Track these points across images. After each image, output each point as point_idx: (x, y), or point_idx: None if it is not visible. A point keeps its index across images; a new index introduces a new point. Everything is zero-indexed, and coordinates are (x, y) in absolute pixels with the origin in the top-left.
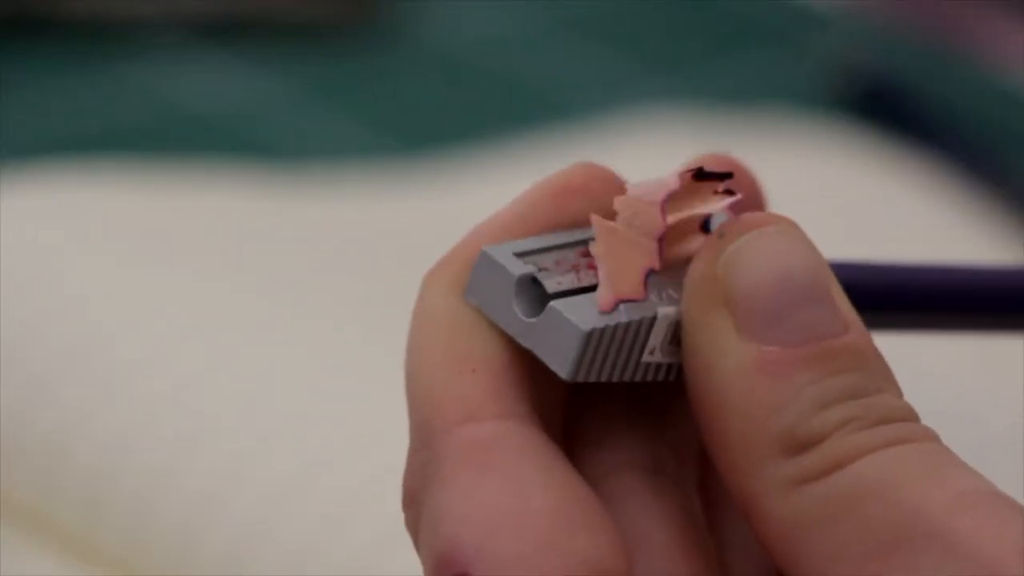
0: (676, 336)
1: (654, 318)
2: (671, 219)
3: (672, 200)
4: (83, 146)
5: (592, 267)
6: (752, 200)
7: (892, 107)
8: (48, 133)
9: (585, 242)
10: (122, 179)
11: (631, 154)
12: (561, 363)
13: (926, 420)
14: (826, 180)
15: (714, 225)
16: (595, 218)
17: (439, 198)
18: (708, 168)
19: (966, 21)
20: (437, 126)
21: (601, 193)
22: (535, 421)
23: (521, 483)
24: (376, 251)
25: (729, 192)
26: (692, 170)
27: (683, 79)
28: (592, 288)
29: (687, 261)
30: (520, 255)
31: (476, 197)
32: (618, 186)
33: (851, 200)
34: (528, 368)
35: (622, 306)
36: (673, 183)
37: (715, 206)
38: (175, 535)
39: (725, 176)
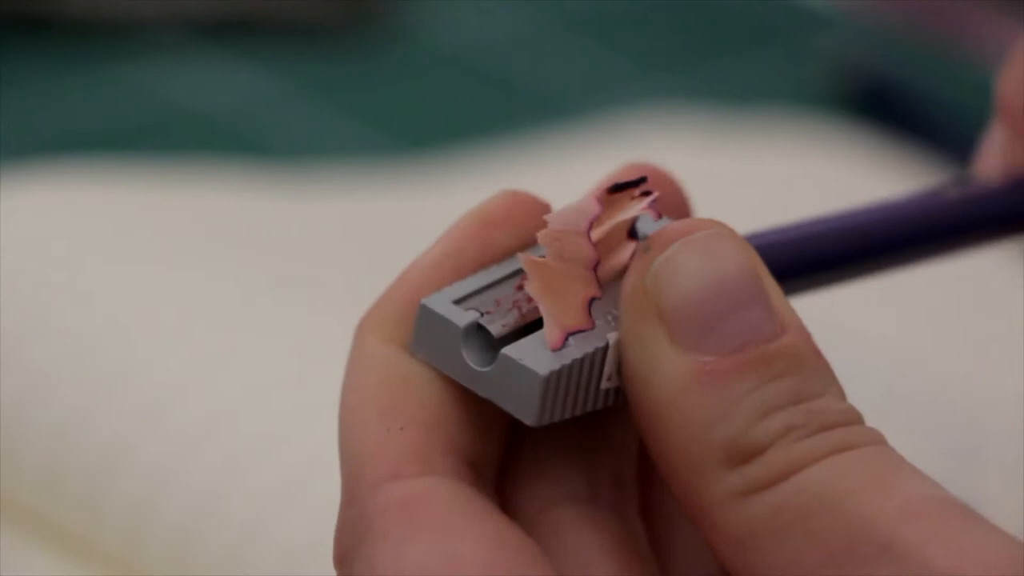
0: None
1: (607, 346)
2: (596, 235)
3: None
4: (83, 146)
5: (531, 299)
6: (676, 204)
7: (892, 107)
8: (48, 133)
9: (518, 274)
10: (122, 179)
11: (631, 154)
12: (525, 410)
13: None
14: (826, 180)
15: (641, 231)
16: (523, 257)
17: (438, 197)
18: (621, 180)
19: (965, 21)
20: (436, 126)
21: (525, 221)
22: (463, 474)
23: (449, 537)
24: (376, 250)
25: (646, 193)
26: (606, 187)
27: (683, 79)
28: (538, 323)
29: (622, 274)
30: (459, 301)
31: (475, 197)
32: (542, 211)
33: (851, 200)
34: (465, 414)
35: (571, 339)
36: (593, 208)
37: (635, 209)
38: (175, 535)
39: (638, 182)
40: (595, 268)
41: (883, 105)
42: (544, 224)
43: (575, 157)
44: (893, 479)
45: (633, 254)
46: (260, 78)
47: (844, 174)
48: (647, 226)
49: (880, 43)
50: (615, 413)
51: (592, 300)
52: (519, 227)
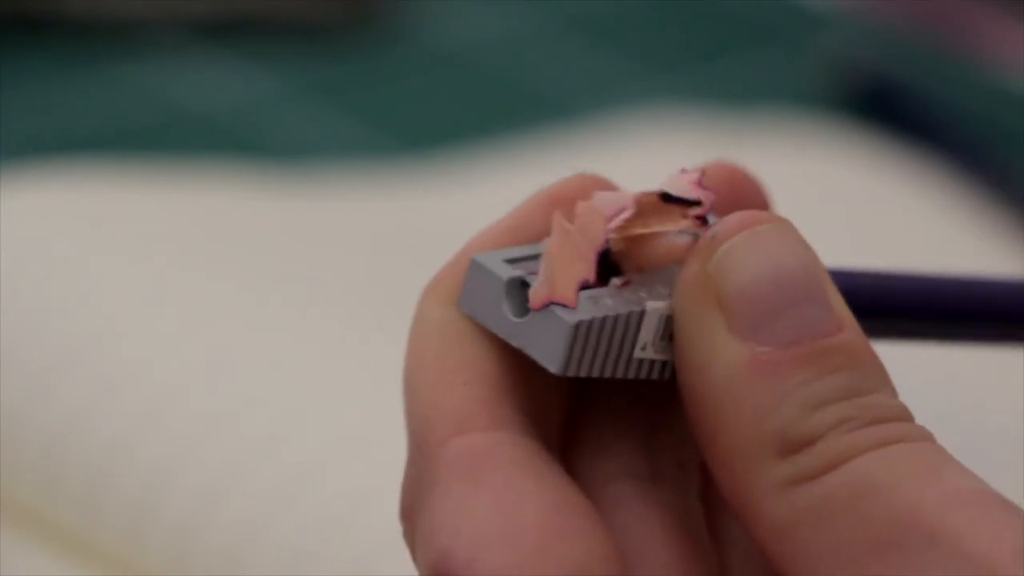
0: (669, 332)
1: (643, 312)
2: (638, 231)
3: (637, 215)
4: (83, 146)
5: None
6: (756, 205)
7: (892, 107)
8: (48, 133)
9: None
10: (122, 179)
11: (631, 154)
12: (551, 358)
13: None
14: (826, 180)
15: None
16: (556, 216)
17: (439, 198)
18: (675, 193)
19: (966, 21)
20: (437, 126)
21: None
22: (529, 431)
23: (512, 494)
24: (376, 251)
25: (701, 221)
26: (656, 193)
27: (683, 79)
28: (582, 287)
29: (673, 261)
30: (510, 261)
31: (476, 197)
32: None
33: (851, 200)
34: (524, 377)
35: (610, 299)
36: (627, 203)
37: (679, 226)
38: (175, 535)
39: (693, 203)
40: (600, 255)
41: (883, 105)
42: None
43: (575, 157)
44: (940, 471)
45: (693, 241)
46: (260, 78)
47: (844, 174)
48: (713, 221)
49: (880, 43)
50: (678, 396)
51: (584, 284)
52: None
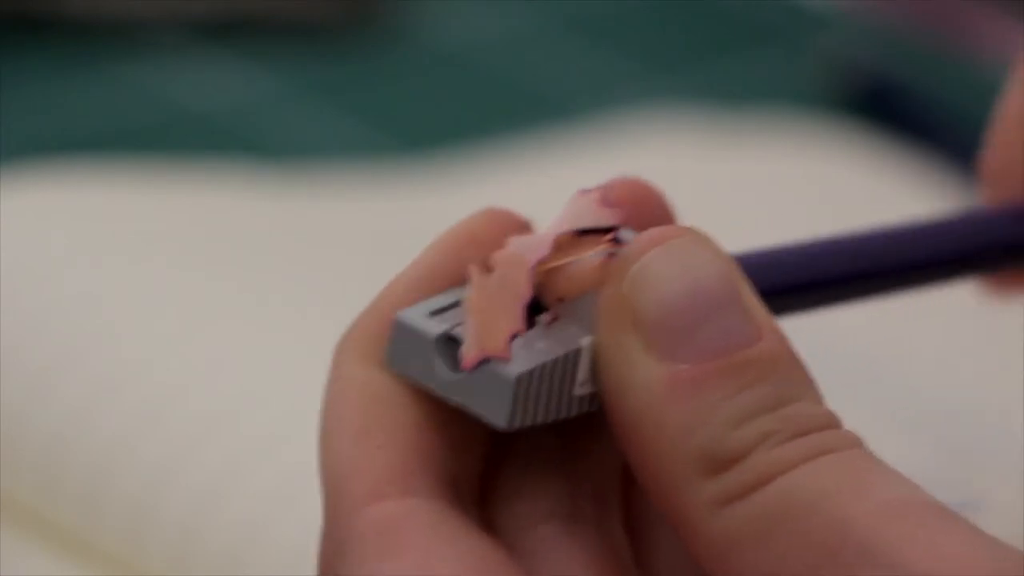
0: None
1: (579, 350)
2: (556, 263)
3: (557, 249)
4: (83, 146)
5: None
6: (662, 219)
7: (892, 107)
8: (48, 133)
9: None
10: (122, 179)
11: (631, 154)
12: (496, 415)
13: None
14: (826, 180)
15: (624, 239)
16: (473, 269)
17: (439, 198)
18: (586, 221)
19: (966, 21)
20: (437, 126)
21: (503, 239)
22: (445, 493)
23: (428, 559)
24: (376, 250)
25: (615, 241)
26: (572, 232)
27: (683, 79)
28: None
29: (593, 283)
30: (434, 313)
31: (476, 197)
32: (521, 229)
33: (851, 200)
34: (442, 435)
35: (542, 342)
36: (544, 247)
37: (598, 251)
38: (175, 535)
39: (609, 230)
40: (526, 306)
41: (883, 105)
42: (503, 245)
43: (575, 157)
44: (871, 481)
45: (608, 263)
46: (260, 78)
47: (844, 174)
48: (628, 236)
49: (880, 43)
50: (595, 428)
51: (515, 336)
52: (496, 246)
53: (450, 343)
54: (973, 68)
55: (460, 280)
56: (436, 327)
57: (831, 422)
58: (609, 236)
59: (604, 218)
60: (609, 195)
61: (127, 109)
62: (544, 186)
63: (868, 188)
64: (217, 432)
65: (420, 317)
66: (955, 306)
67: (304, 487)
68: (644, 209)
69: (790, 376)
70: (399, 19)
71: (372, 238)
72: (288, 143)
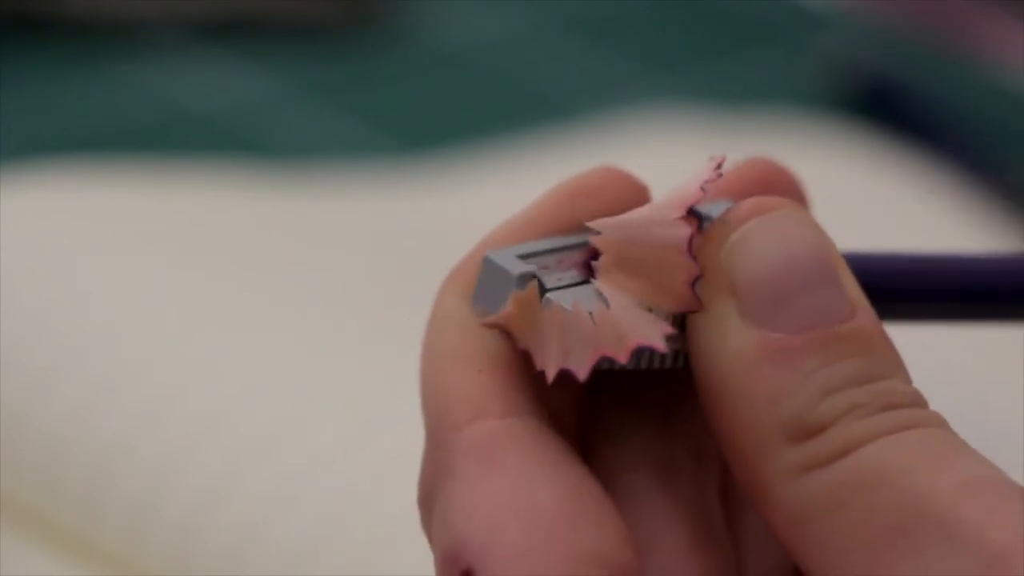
0: (681, 321)
1: (682, 324)
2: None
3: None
4: (83, 146)
5: (593, 260)
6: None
7: (892, 107)
8: (48, 133)
9: (587, 243)
10: (122, 179)
11: (631, 154)
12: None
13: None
14: (826, 180)
15: (704, 213)
16: (601, 223)
17: (439, 198)
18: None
19: (966, 21)
20: (437, 126)
21: (615, 196)
22: (544, 418)
23: (527, 479)
24: (376, 250)
25: (693, 215)
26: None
27: (683, 79)
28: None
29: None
30: (523, 257)
31: (476, 197)
32: (636, 189)
33: (851, 200)
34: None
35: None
36: (696, 193)
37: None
38: (175, 535)
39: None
40: (690, 247)
41: (883, 105)
42: (640, 196)
43: (575, 157)
44: (952, 458)
45: (703, 229)
46: (260, 78)
47: (844, 174)
48: (716, 210)
49: (880, 43)
50: (695, 391)
51: (697, 279)
52: (607, 201)
53: (533, 283)
54: (973, 68)
55: (562, 230)
56: (521, 267)
57: (918, 400)
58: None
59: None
60: (738, 172)
61: (127, 109)
62: (544, 186)
63: (868, 188)
64: (217, 432)
65: (508, 258)
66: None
67: (304, 487)
68: (774, 191)
69: (881, 354)
70: (399, 19)
71: (372, 238)
72: (288, 143)
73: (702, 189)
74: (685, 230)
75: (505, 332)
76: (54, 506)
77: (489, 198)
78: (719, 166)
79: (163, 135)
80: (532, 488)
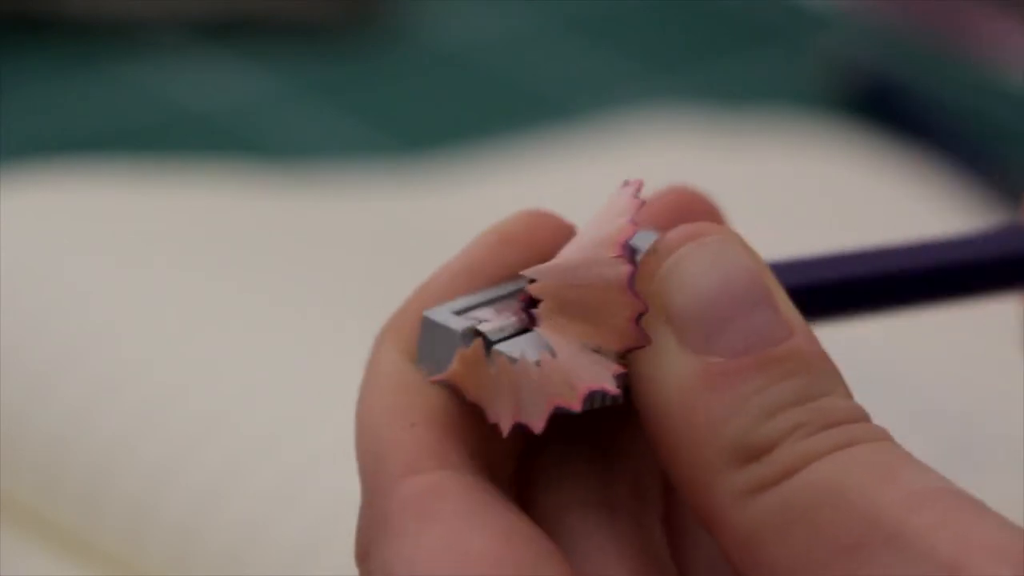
0: (625, 356)
1: (626, 365)
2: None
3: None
4: (83, 146)
5: (529, 307)
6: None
7: (892, 107)
8: (48, 133)
9: (523, 290)
10: (122, 179)
11: (631, 154)
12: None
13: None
14: (826, 180)
15: (637, 246)
16: (534, 272)
17: (439, 198)
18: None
19: (966, 21)
20: (437, 126)
21: (543, 241)
22: (478, 469)
23: (462, 528)
24: (376, 250)
25: (627, 250)
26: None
27: (683, 79)
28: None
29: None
30: (461, 312)
31: (476, 197)
32: (563, 231)
33: (851, 199)
34: (476, 420)
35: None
36: (627, 228)
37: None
38: (175, 535)
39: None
40: (631, 284)
41: (883, 105)
42: (568, 237)
43: (575, 157)
44: (898, 472)
45: (637, 259)
46: (260, 78)
47: (844, 174)
48: (642, 241)
49: (880, 43)
50: (635, 425)
51: (642, 315)
52: (537, 246)
53: (476, 338)
54: (973, 68)
55: (498, 279)
56: (461, 323)
57: (859, 415)
58: (623, 236)
59: (636, 214)
60: (653, 201)
61: (127, 109)
62: (544, 186)
63: (868, 188)
64: (217, 432)
65: (447, 314)
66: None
67: (304, 487)
68: (694, 217)
69: (820, 371)
70: (399, 19)
71: (372, 238)
72: (288, 143)
73: (633, 223)
74: (625, 267)
75: (454, 388)
76: (54, 506)
77: (489, 198)
78: (637, 192)
79: (163, 135)
80: (469, 537)
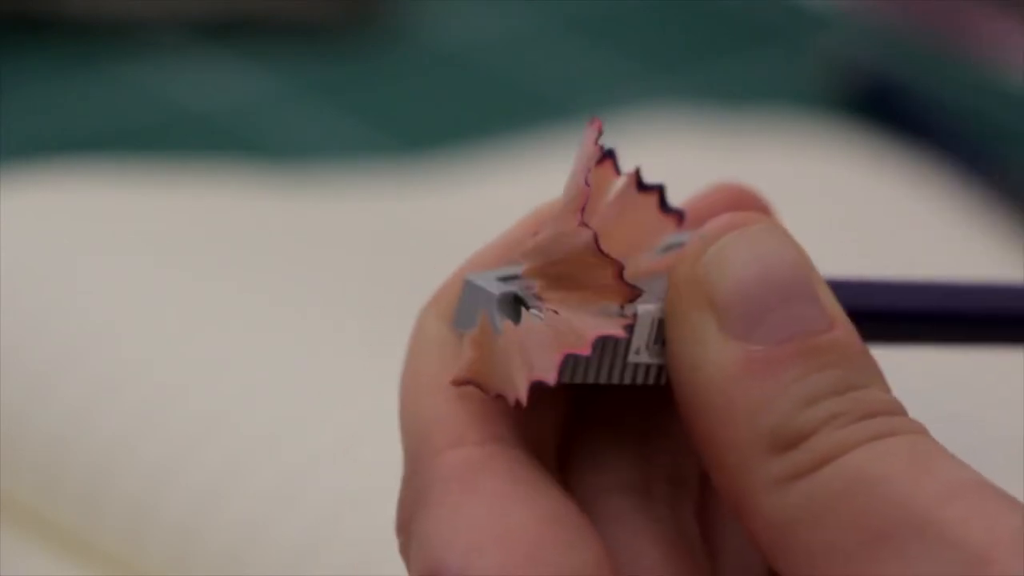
0: (662, 336)
1: (635, 316)
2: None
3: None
4: (83, 146)
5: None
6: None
7: (892, 107)
8: (48, 133)
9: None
10: (122, 179)
11: (631, 154)
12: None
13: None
14: (826, 180)
15: (683, 241)
16: (528, 248)
17: (439, 198)
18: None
19: (966, 21)
20: (437, 126)
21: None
22: (521, 444)
23: (505, 503)
24: (376, 250)
25: (672, 211)
26: (635, 179)
27: (683, 79)
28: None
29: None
30: (503, 279)
31: (476, 197)
32: None
33: (851, 199)
34: None
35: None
36: (583, 189)
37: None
38: (175, 535)
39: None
40: (598, 244)
41: (883, 105)
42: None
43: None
44: (932, 464)
45: (682, 244)
46: (260, 78)
47: (844, 174)
48: (682, 237)
49: (880, 43)
50: (674, 408)
51: (622, 269)
52: None
53: (513, 303)
54: (973, 68)
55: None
56: (501, 287)
57: (897, 408)
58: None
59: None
60: (702, 198)
61: (127, 109)
62: (544, 186)
63: (868, 188)
64: (217, 432)
65: (489, 279)
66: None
67: (304, 487)
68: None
69: (860, 364)
70: (399, 19)
71: (372, 238)
72: (288, 143)
73: (587, 183)
74: (588, 233)
75: (475, 386)
76: (54, 506)
77: (489, 198)
78: (597, 138)
79: (163, 135)
80: (510, 512)
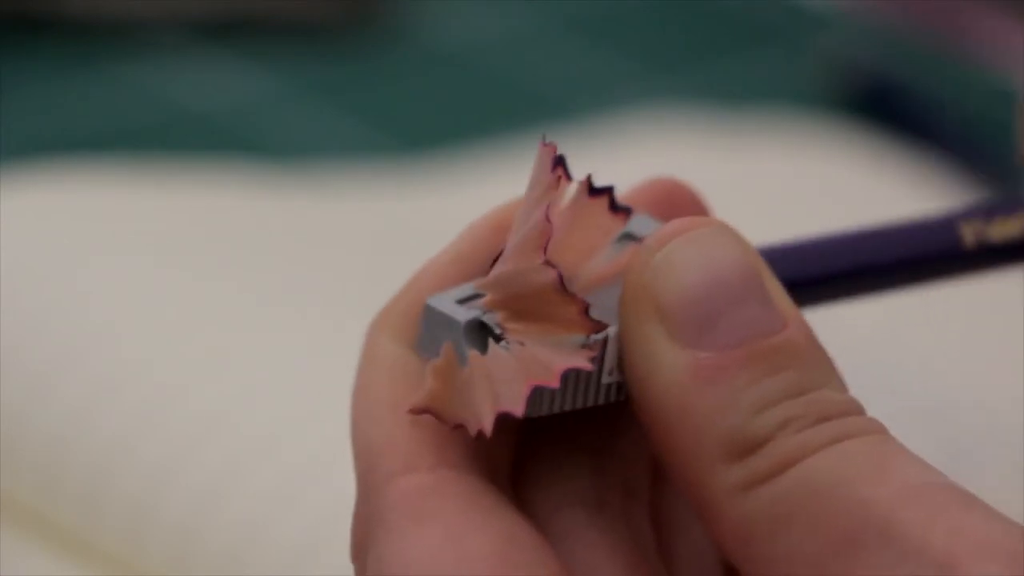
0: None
1: (606, 339)
2: (567, 243)
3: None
4: (83, 146)
5: None
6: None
7: (892, 107)
8: (48, 133)
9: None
10: (122, 179)
11: (631, 154)
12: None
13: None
14: (826, 180)
15: (637, 232)
16: (482, 283)
17: (439, 198)
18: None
19: (966, 21)
20: (437, 126)
21: None
22: (475, 468)
23: (459, 529)
24: (376, 250)
25: (621, 209)
26: (586, 187)
27: (683, 79)
28: None
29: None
30: (463, 301)
31: (476, 196)
32: None
33: (851, 199)
34: None
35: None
36: (545, 228)
37: (620, 245)
38: (175, 535)
39: (614, 205)
40: (563, 283)
41: (883, 105)
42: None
43: (574, 157)
44: (892, 466)
45: (631, 252)
46: (260, 78)
47: (844, 174)
48: (642, 227)
49: (880, 43)
50: (626, 420)
51: (587, 307)
52: None
53: (480, 330)
54: (973, 68)
55: (486, 269)
56: (465, 313)
57: (854, 408)
58: (619, 214)
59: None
60: (637, 192)
61: (127, 109)
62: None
63: (868, 188)
64: (217, 432)
65: (449, 304)
66: (953, 305)
67: (304, 487)
68: (679, 209)
69: (814, 364)
70: (399, 19)
71: (372, 238)
72: (288, 143)
73: (548, 219)
74: (551, 272)
75: (434, 415)
76: (54, 506)
77: (489, 198)
78: (555, 165)
79: (163, 135)
80: (465, 538)
